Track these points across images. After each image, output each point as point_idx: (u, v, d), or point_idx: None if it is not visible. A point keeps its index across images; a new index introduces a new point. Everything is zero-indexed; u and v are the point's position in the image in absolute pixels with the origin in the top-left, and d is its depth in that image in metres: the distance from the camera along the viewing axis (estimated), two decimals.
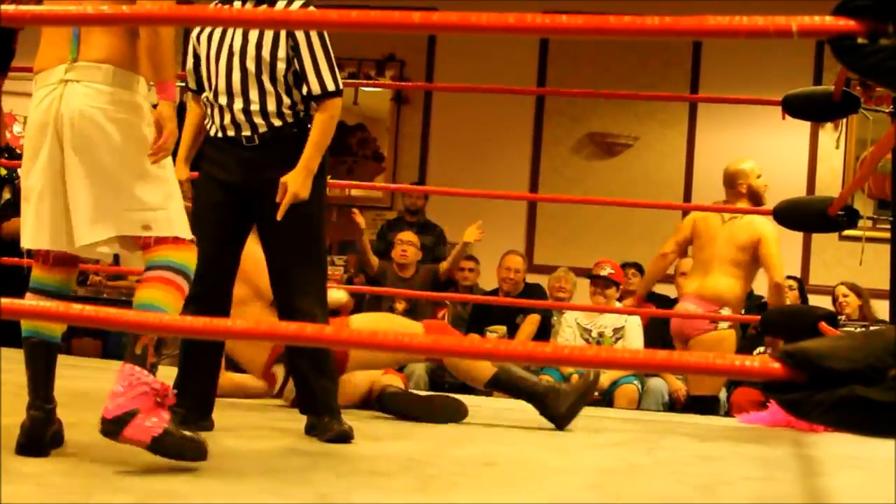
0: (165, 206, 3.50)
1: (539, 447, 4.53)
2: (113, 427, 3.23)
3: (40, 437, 3.47)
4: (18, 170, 9.65)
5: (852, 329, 5.95)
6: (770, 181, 7.02)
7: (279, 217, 4.16)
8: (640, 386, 7.72)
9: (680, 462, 4.26)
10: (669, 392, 7.74)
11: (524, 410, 5.56)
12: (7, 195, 10.20)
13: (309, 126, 4.32)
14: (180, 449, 3.32)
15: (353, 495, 3.18)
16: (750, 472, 4.11)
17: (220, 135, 4.35)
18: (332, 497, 3.13)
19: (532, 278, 8.93)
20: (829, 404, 1.85)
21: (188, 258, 3.49)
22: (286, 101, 4.31)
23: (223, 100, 4.31)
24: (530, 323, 8.34)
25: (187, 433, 3.38)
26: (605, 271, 7.97)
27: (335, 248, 10.53)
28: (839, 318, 6.28)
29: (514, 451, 4.35)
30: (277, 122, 4.30)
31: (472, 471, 3.83)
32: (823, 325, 5.16)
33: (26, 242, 3.51)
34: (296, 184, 4.17)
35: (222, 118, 4.33)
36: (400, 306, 8.34)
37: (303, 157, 4.22)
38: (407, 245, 8.53)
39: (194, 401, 4.24)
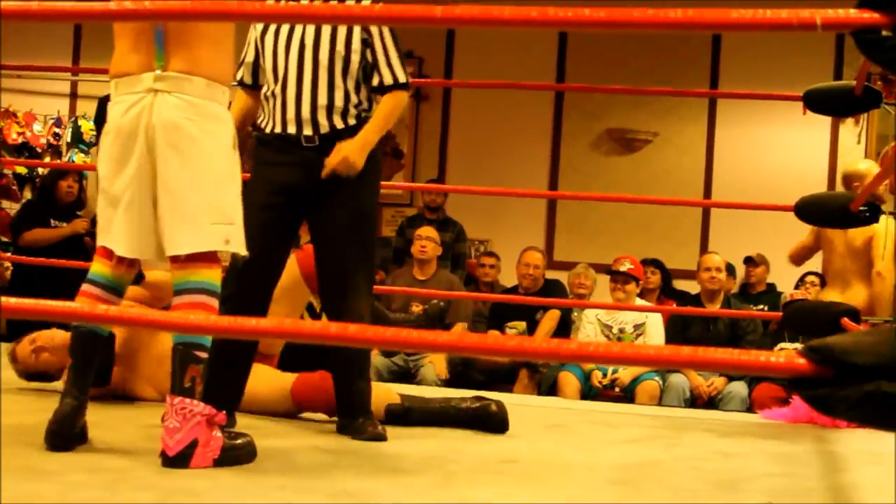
0: (238, 221, 3.58)
1: (559, 444, 4.52)
2: (179, 463, 3.33)
3: (71, 426, 3.52)
4: (39, 169, 9.72)
5: (878, 322, 5.91)
6: (791, 177, 7.00)
7: (323, 175, 4.18)
8: (661, 382, 7.70)
9: (701, 458, 4.24)
10: (691, 388, 7.72)
11: (543, 408, 5.57)
12: (28, 194, 10.23)
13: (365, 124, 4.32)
14: (237, 459, 3.46)
15: (376, 493, 3.18)
16: (771, 469, 4.10)
17: (277, 130, 4.28)
18: (354, 494, 3.12)
19: (552, 275, 8.90)
20: (856, 400, 1.83)
21: (219, 278, 3.53)
22: (353, 98, 4.29)
23: (291, 92, 4.26)
24: (550, 319, 8.32)
25: (237, 441, 3.49)
26: (625, 267, 7.95)
27: None
28: None
29: (534, 448, 4.34)
30: (340, 124, 4.26)
31: (494, 468, 3.82)
32: (846, 320, 5.13)
33: (119, 249, 3.54)
34: (349, 149, 4.17)
35: (284, 114, 4.27)
36: (417, 309, 8.29)
37: (363, 130, 4.23)
38: (426, 240, 8.47)
39: (222, 400, 4.20)
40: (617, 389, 7.67)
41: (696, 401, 7.68)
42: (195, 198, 3.46)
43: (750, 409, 7.21)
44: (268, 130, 4.34)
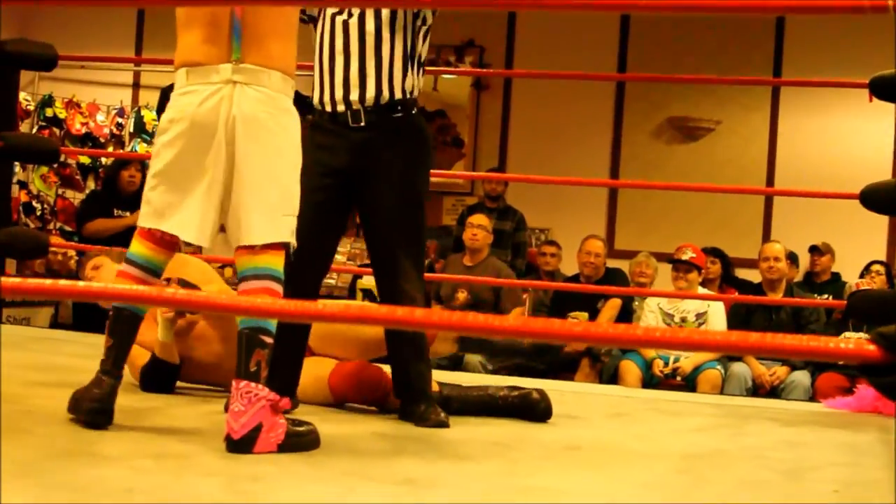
0: (297, 213, 3.67)
1: (622, 433, 4.50)
2: (243, 447, 3.36)
3: (112, 404, 3.60)
4: (103, 159, 9.79)
5: None
6: (856, 164, 6.92)
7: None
8: (723, 371, 7.66)
9: (765, 447, 4.22)
10: (753, 378, 7.67)
11: (607, 396, 5.55)
12: (91, 184, 10.32)
13: (415, 108, 4.32)
14: (301, 446, 3.48)
15: (440, 479, 3.18)
16: (837, 458, 4.06)
17: (328, 109, 4.27)
18: (418, 481, 3.13)
19: (613, 264, 8.87)
20: None
21: (282, 265, 3.62)
22: (398, 73, 4.26)
23: (339, 63, 4.24)
24: (611, 307, 8.30)
25: (301, 428, 3.52)
26: (687, 255, 7.91)
27: None
28: None
29: (597, 437, 4.32)
30: (386, 98, 4.24)
31: (557, 455, 3.82)
32: None
33: (188, 235, 3.60)
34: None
35: (333, 91, 4.26)
36: (462, 296, 8.29)
37: None
38: (477, 228, 8.45)
39: (282, 386, 4.20)
40: (678, 378, 7.63)
41: (759, 390, 7.64)
42: (272, 190, 3.55)
43: (813, 398, 7.16)
44: (318, 108, 4.33)
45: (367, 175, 4.23)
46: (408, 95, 4.29)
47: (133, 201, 8.68)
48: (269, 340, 3.50)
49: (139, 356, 4.53)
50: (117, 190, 8.90)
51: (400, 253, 4.28)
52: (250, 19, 3.56)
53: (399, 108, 4.26)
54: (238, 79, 3.52)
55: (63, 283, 2.04)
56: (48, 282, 2.03)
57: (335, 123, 4.26)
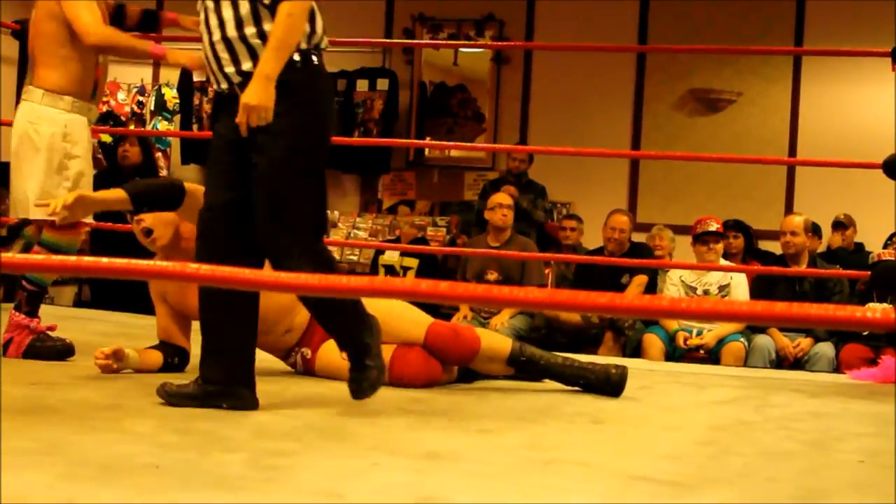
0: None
1: (647, 405, 4.51)
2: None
3: None
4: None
5: None
6: (878, 134, 6.89)
7: (243, 133, 3.77)
8: (746, 343, 7.64)
9: (790, 418, 4.22)
10: (776, 349, 7.66)
11: (630, 369, 5.54)
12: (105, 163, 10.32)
13: (295, 77, 3.86)
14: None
15: (464, 453, 3.19)
16: (863, 429, 4.06)
17: (214, 86, 4.03)
18: (442, 454, 3.13)
19: (636, 237, 8.85)
20: None
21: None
22: (253, 38, 3.85)
23: (206, 42, 3.96)
24: (637, 285, 8.27)
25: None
26: (713, 227, 7.87)
27: (437, 209, 10.56)
28: None
29: (622, 409, 4.33)
30: (242, 71, 3.86)
31: (581, 428, 3.82)
32: None
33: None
34: (248, 95, 3.72)
35: (211, 70, 3.98)
36: (492, 276, 8.27)
37: (259, 64, 3.78)
38: (507, 209, 8.37)
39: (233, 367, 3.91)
40: (702, 352, 7.62)
41: (782, 362, 7.62)
42: (26, 182, 4.93)
43: (837, 369, 7.14)
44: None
45: (248, 144, 3.86)
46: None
47: (139, 176, 8.70)
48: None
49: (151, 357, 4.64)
50: (118, 167, 8.97)
51: (271, 228, 3.85)
52: (29, 51, 5.00)
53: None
54: (24, 96, 4.95)
55: (62, 258, 2.05)
56: (53, 258, 2.03)
57: (220, 98, 4.03)
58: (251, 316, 3.94)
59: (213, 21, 3.89)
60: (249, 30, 3.82)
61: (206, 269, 1.98)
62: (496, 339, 4.76)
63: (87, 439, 3.07)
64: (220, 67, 3.90)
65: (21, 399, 3.68)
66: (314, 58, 3.90)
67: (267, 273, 1.98)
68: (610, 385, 4.63)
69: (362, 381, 3.86)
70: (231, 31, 3.84)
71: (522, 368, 4.72)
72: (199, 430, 3.33)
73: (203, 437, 3.22)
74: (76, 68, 4.86)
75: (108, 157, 10.07)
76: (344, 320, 3.97)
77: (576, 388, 4.67)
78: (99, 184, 8.94)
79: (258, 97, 3.69)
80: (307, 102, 3.88)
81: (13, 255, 2.03)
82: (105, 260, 1.93)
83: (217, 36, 3.88)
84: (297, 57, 3.83)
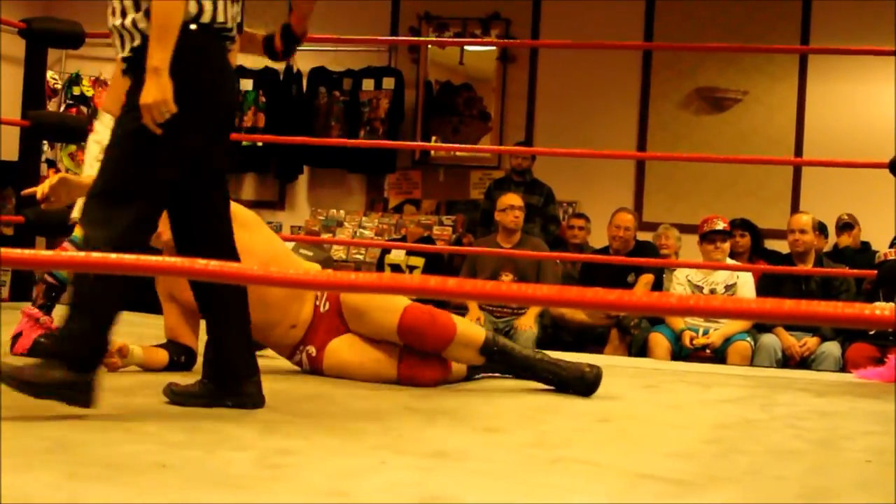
0: None
1: (653, 404, 4.50)
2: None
3: None
4: None
5: None
6: (885, 133, 6.88)
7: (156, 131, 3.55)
8: (752, 343, 7.64)
9: (797, 417, 4.21)
10: (783, 349, 7.65)
11: (636, 368, 5.54)
12: None
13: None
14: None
15: (470, 452, 3.18)
16: (870, 427, 4.05)
17: None
18: (449, 453, 3.13)
19: (642, 236, 8.85)
20: None
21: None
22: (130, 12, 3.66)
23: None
24: (644, 284, 8.27)
25: None
26: (720, 225, 7.86)
27: (443, 208, 10.56)
28: None
29: (628, 408, 4.32)
30: (136, 43, 3.66)
31: (587, 426, 3.81)
32: None
33: None
34: (143, 95, 3.49)
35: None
36: (507, 278, 8.24)
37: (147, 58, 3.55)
38: (518, 210, 8.32)
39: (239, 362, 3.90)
40: (708, 351, 7.61)
41: (789, 361, 7.62)
42: None
43: (843, 369, 7.13)
44: None
45: None
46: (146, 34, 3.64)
47: None
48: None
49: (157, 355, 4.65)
50: None
51: (89, 203, 3.64)
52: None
53: (134, 51, 3.68)
54: None
55: (65, 254, 2.04)
56: (49, 253, 2.03)
57: None
58: (243, 310, 3.90)
59: (109, 9, 3.73)
60: (130, 18, 3.63)
61: (214, 264, 1.98)
62: (471, 326, 4.70)
63: (94, 438, 3.07)
64: (117, 54, 3.75)
65: (28, 398, 3.67)
66: (191, 37, 3.62)
67: (279, 272, 1.98)
68: (583, 384, 4.53)
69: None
70: (117, 20, 3.68)
71: (495, 358, 4.62)
72: (205, 428, 3.32)
73: (209, 435, 3.22)
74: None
75: None
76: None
77: (549, 388, 4.62)
78: None
79: (152, 94, 3.48)
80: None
81: (21, 252, 2.03)
82: (113, 256, 1.93)
83: (110, 23, 3.71)
84: None
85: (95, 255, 2.03)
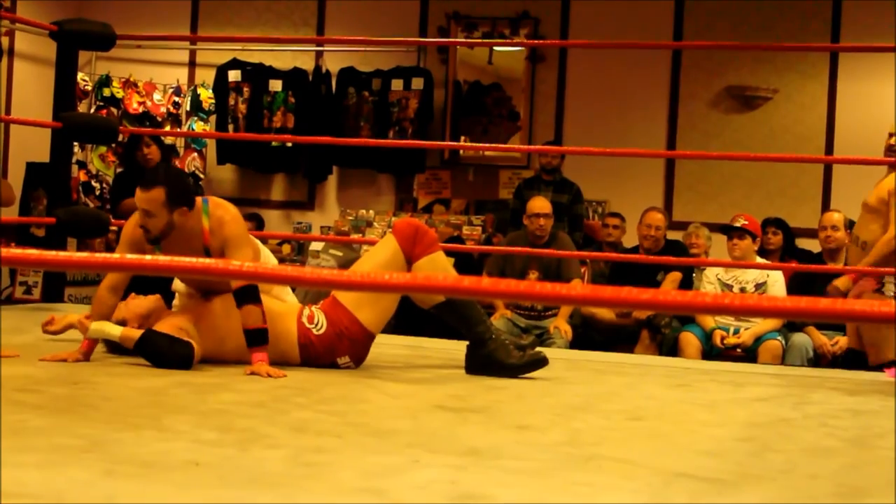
0: None
1: (685, 402, 4.49)
2: None
3: None
4: (162, 138, 9.81)
5: None
6: None
7: None
8: (783, 342, 7.61)
9: (830, 416, 4.19)
10: (814, 347, 7.62)
11: (667, 367, 5.53)
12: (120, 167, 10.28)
13: None
14: None
15: (503, 451, 3.18)
16: None
17: None
18: (482, 451, 3.13)
19: (672, 235, 8.83)
20: None
21: None
22: None
23: None
24: (671, 282, 8.25)
25: None
26: (739, 222, 7.83)
27: (472, 208, 10.56)
28: None
29: (660, 407, 4.31)
30: None
31: (620, 425, 3.81)
32: None
33: None
34: None
35: None
36: (533, 276, 8.22)
37: None
38: (545, 219, 8.23)
39: None
40: (739, 350, 7.59)
41: (820, 360, 7.58)
42: None
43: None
44: None
45: None
46: None
47: None
48: None
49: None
50: (139, 168, 8.56)
51: None
52: None
53: None
54: None
55: (65, 254, 2.05)
56: (50, 253, 2.04)
57: None
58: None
59: None
60: None
61: (234, 264, 1.98)
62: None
63: (128, 437, 3.08)
64: None
65: (64, 398, 3.70)
66: None
67: (308, 270, 1.98)
68: (519, 360, 4.82)
69: None
70: None
71: (450, 305, 4.84)
72: (238, 426, 3.34)
73: (242, 433, 3.23)
74: None
75: (127, 159, 10.00)
76: None
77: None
78: (127, 183, 8.96)
79: None
80: None
81: (22, 252, 2.04)
82: (116, 255, 1.94)
83: None
84: None
85: (97, 255, 2.04)
